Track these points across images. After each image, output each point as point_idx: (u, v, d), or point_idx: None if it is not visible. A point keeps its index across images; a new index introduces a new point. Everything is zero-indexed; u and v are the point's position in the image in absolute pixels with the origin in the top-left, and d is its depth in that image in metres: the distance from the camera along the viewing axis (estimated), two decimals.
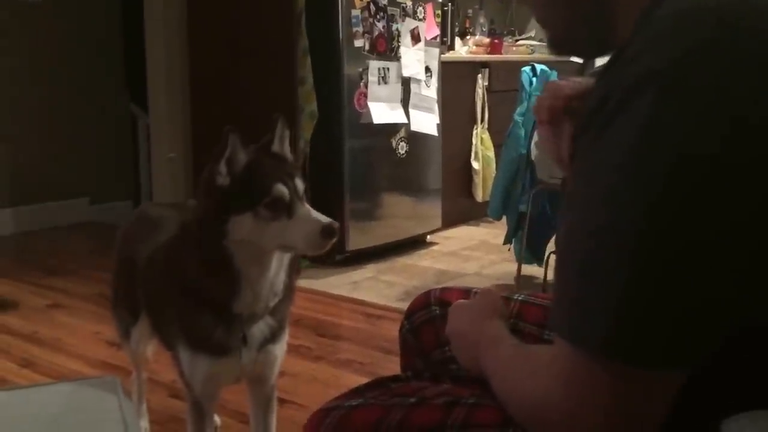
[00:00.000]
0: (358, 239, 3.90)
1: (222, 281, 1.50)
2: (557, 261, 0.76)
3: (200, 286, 1.53)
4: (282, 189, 1.45)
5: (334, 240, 1.46)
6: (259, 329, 1.57)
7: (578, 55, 1.03)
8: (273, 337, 1.61)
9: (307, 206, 1.48)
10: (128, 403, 1.26)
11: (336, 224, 1.45)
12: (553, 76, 3.69)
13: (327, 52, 3.75)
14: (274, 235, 1.45)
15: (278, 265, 1.54)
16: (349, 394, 1.00)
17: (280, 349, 1.65)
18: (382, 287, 3.57)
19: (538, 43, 5.27)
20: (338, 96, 3.76)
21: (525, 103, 3.45)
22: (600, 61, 0.91)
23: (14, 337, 2.94)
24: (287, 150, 1.60)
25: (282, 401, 2.41)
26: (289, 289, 1.62)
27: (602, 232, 0.69)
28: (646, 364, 0.68)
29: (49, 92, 4.69)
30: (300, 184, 1.49)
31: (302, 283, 3.61)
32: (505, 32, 5.71)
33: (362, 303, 3.34)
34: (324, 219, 1.45)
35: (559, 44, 0.94)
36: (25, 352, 2.79)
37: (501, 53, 5.06)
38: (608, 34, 0.84)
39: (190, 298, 1.55)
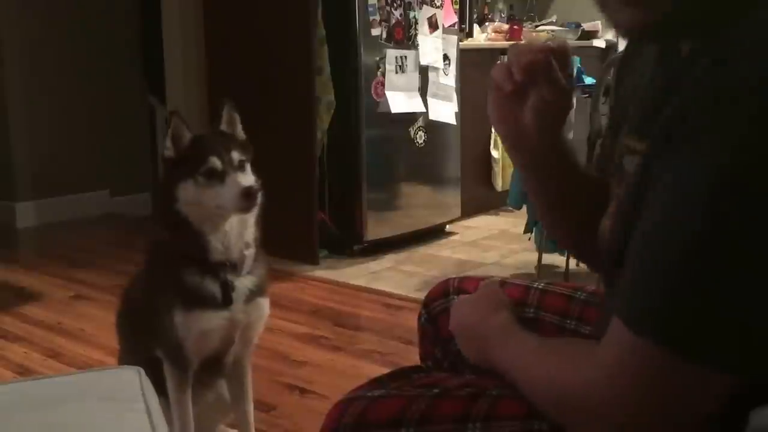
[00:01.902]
0: (376, 229, 3.90)
1: (188, 237, 1.71)
2: (636, 254, 0.74)
3: (174, 245, 1.76)
4: (215, 160, 1.69)
5: (256, 200, 1.67)
6: (242, 282, 1.75)
7: (655, 39, 0.90)
8: (258, 290, 1.79)
9: (239, 174, 1.70)
10: (152, 391, 1.27)
11: (254, 187, 1.67)
12: (575, 63, 3.67)
13: (344, 41, 3.75)
14: (210, 198, 1.68)
15: (240, 219, 1.73)
16: (370, 384, 0.99)
17: (266, 303, 1.84)
18: (401, 277, 3.57)
19: (559, 28, 5.25)
20: (356, 85, 3.76)
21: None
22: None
23: (39, 327, 2.98)
24: (239, 130, 1.83)
25: (303, 391, 2.42)
26: (260, 247, 1.81)
27: (694, 241, 0.68)
28: (716, 365, 0.68)
29: (68, 86, 4.72)
30: (236, 155, 1.72)
31: (321, 273, 3.62)
32: (524, 18, 5.67)
33: (381, 293, 3.34)
34: (245, 182, 1.68)
35: (671, 22, 0.80)
36: (50, 342, 2.82)
37: (521, 40, 5.04)
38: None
39: (171, 259, 1.75)
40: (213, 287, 1.71)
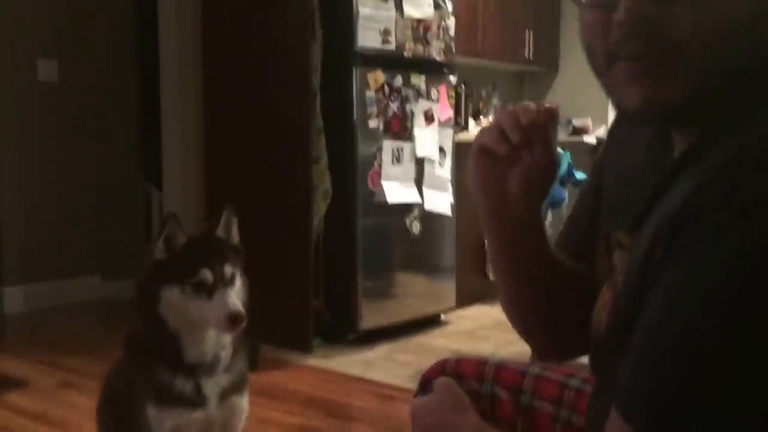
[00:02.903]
0: (371, 318, 3.87)
1: (164, 336, 1.70)
2: (635, 352, 0.73)
3: (149, 341, 1.75)
4: (207, 273, 1.67)
5: (240, 327, 1.67)
6: (216, 381, 1.74)
7: (666, 125, 0.86)
8: (234, 388, 1.78)
9: (228, 291, 1.68)
10: None
11: (240, 314, 1.66)
12: (566, 158, 3.72)
13: (341, 132, 3.80)
14: (195, 310, 1.67)
15: None
16: None
17: (243, 401, 1.81)
18: (396, 367, 3.52)
19: None
20: (352, 175, 3.79)
21: None
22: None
23: (23, 416, 2.90)
24: (234, 235, 1.82)
25: None
26: (239, 342, 1.80)
27: (692, 345, 0.67)
28: None
29: (61, 169, 4.73)
30: (228, 269, 1.70)
31: (314, 362, 3.57)
32: None
33: (375, 383, 3.29)
34: (233, 308, 1.66)
35: (665, 109, 0.77)
36: None
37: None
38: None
39: (145, 354, 1.75)
40: (184, 386, 1.71)
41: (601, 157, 1.06)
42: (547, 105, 0.98)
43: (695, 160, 0.73)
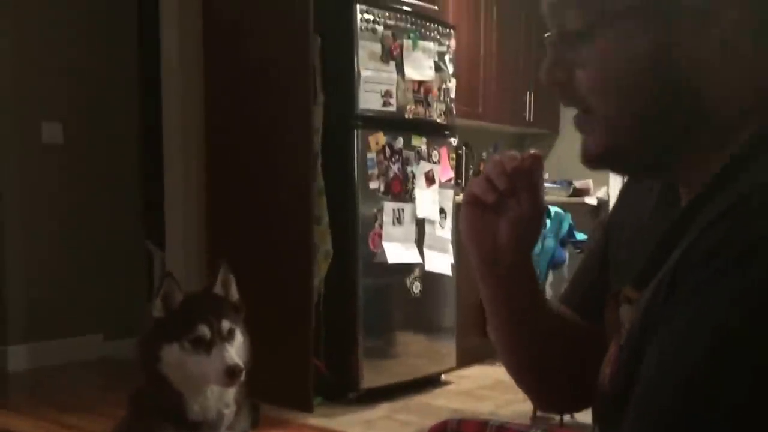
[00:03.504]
0: (372, 377, 3.87)
1: (167, 395, 1.72)
2: (633, 405, 0.72)
3: (152, 399, 1.76)
4: (204, 329, 1.69)
5: (238, 380, 1.69)
6: None
7: (627, 170, 0.93)
8: None
9: (227, 345, 1.69)
10: None
11: (238, 367, 1.68)
12: (567, 219, 3.76)
13: (342, 192, 3.84)
14: (194, 366, 1.69)
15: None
16: None
17: None
18: (397, 427, 3.51)
19: (551, 184, 5.38)
20: (353, 236, 3.83)
21: (540, 245, 3.49)
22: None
23: None
24: (233, 292, 1.84)
25: None
26: (242, 399, 1.81)
27: (684, 396, 0.66)
28: None
29: (65, 230, 4.77)
30: (226, 324, 1.72)
31: (315, 421, 3.56)
32: None
33: None
34: (230, 361, 1.67)
35: (610, 154, 0.83)
36: None
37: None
38: (681, 149, 0.80)
39: (148, 412, 1.76)
40: None
41: (609, 216, 1.08)
42: (531, 152, 1.01)
43: (697, 213, 0.74)
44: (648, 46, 0.76)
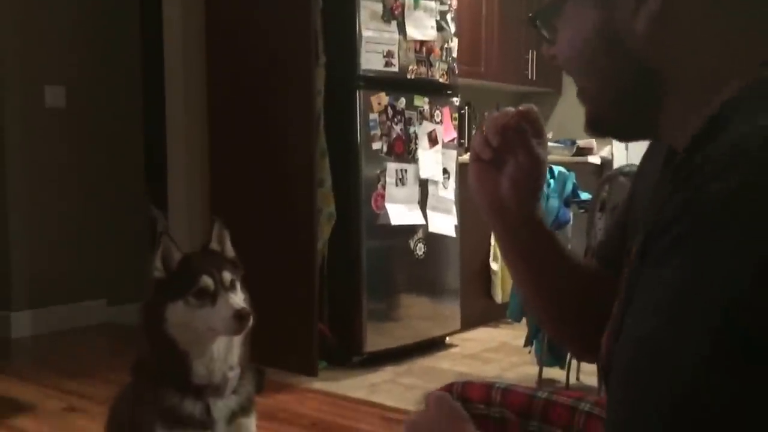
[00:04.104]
0: (376, 341, 3.87)
1: (172, 358, 1.70)
2: (615, 369, 0.70)
3: (157, 364, 1.75)
4: (207, 279, 1.68)
5: (248, 323, 1.67)
6: (224, 403, 1.74)
7: (617, 137, 0.94)
8: (242, 410, 1.77)
9: (230, 294, 1.69)
10: None
11: (246, 309, 1.67)
12: (571, 179, 3.72)
13: (345, 154, 3.81)
14: (201, 320, 1.67)
15: (227, 341, 1.73)
16: None
17: (251, 423, 1.81)
18: (401, 390, 3.51)
19: (554, 144, 5.33)
20: (356, 197, 3.80)
21: (544, 204, 3.46)
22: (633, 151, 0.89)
23: None
24: (228, 247, 1.84)
25: None
26: (246, 363, 1.81)
27: (658, 356, 0.63)
28: None
29: (68, 195, 4.77)
30: (227, 275, 1.71)
31: (319, 385, 3.56)
32: None
33: (380, 406, 3.28)
34: (237, 305, 1.66)
35: (597, 122, 0.88)
36: None
37: None
38: (658, 116, 0.81)
39: (153, 378, 1.75)
40: (194, 409, 1.71)
41: (637, 168, 1.10)
42: (521, 107, 1.04)
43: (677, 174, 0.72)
44: (596, 24, 0.82)
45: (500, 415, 1.19)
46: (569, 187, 3.72)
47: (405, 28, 3.95)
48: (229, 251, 1.85)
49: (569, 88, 5.91)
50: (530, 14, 0.94)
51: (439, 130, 4.15)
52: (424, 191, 4.06)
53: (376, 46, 3.82)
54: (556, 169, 3.66)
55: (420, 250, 4.08)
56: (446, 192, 4.19)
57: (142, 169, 5.07)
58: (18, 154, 4.59)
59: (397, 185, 3.92)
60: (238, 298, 1.71)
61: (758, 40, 0.75)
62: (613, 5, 0.80)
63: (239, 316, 1.66)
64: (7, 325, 4.53)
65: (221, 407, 1.74)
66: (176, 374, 1.72)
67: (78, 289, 4.80)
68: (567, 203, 3.72)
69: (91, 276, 4.83)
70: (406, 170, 3.97)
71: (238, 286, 1.76)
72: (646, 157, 1.06)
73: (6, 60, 4.52)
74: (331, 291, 3.88)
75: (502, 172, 1.05)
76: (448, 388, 1.27)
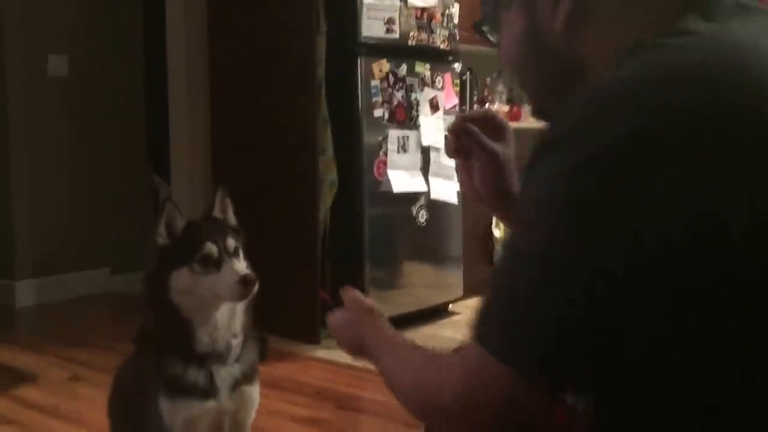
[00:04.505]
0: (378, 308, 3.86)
1: (175, 327, 1.70)
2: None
3: (161, 334, 1.74)
4: (211, 246, 1.68)
5: (253, 288, 1.68)
6: (228, 371, 1.74)
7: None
8: (245, 378, 1.78)
9: (235, 261, 1.69)
10: None
11: (251, 275, 1.68)
12: None
13: (347, 121, 3.79)
14: (206, 287, 1.67)
15: (230, 309, 1.73)
16: None
17: (254, 391, 1.82)
18: None
19: None
20: (358, 165, 3.79)
21: None
22: None
23: (34, 410, 2.92)
24: (230, 215, 1.84)
25: None
26: (249, 331, 1.81)
27: (518, 260, 0.81)
28: (526, 374, 0.78)
29: (71, 164, 4.75)
30: (231, 242, 1.72)
31: (322, 353, 3.57)
32: (524, 100, 5.74)
33: None
34: (242, 271, 1.67)
35: (540, 110, 1.02)
36: (45, 426, 2.77)
37: (520, 121, 5.09)
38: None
39: (156, 346, 1.75)
40: (197, 377, 1.71)
41: None
42: (480, 111, 1.27)
43: None
44: (523, 28, 0.95)
45: None
46: (510, 134, 3.71)
47: None
48: (231, 219, 1.85)
49: None
50: (474, 21, 1.08)
51: (441, 96, 4.12)
52: (426, 158, 4.05)
53: (377, 13, 3.79)
54: None
55: (422, 217, 4.08)
56: (448, 158, 4.16)
57: (144, 137, 5.05)
58: (21, 123, 4.57)
59: (398, 152, 3.91)
60: (242, 265, 1.72)
61: (651, 18, 0.86)
62: (535, 9, 0.93)
63: (244, 281, 1.66)
64: (10, 295, 4.54)
65: (224, 375, 1.75)
66: (180, 342, 1.72)
67: (81, 258, 4.80)
68: None
69: (94, 245, 4.83)
70: (407, 137, 3.95)
71: (242, 253, 1.76)
72: None
73: (9, 29, 4.48)
74: (334, 259, 3.88)
75: (474, 169, 1.21)
76: None
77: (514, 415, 0.81)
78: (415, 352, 1.02)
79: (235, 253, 1.73)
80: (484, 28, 1.06)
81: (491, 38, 1.05)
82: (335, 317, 1.24)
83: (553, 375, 0.79)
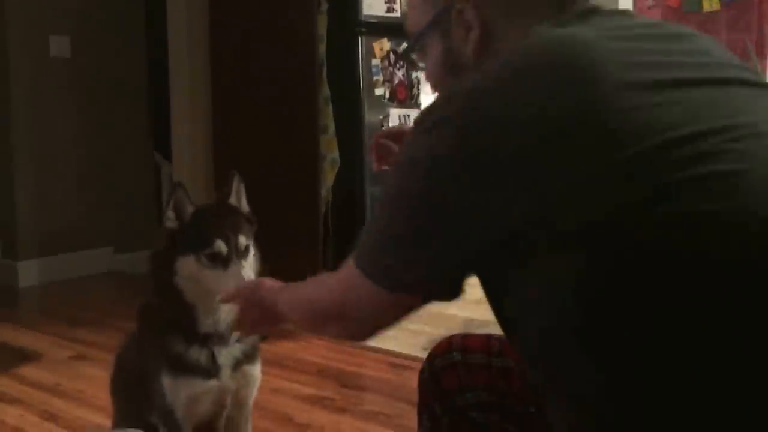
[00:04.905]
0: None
1: (179, 307, 1.72)
2: None
3: (163, 311, 1.76)
4: (221, 245, 1.68)
5: None
6: (229, 351, 1.76)
7: None
8: (246, 358, 1.80)
9: (243, 262, 1.70)
10: None
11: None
12: None
13: (348, 100, 3.78)
14: (210, 280, 1.68)
15: None
16: None
17: (255, 370, 1.84)
18: (408, 336, 3.52)
19: None
20: (359, 144, 3.78)
21: None
22: None
23: (36, 389, 2.93)
24: (244, 203, 1.84)
25: None
26: None
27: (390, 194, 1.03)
28: (385, 285, 1.00)
29: (73, 144, 4.75)
30: (242, 240, 1.72)
31: None
32: None
33: (387, 352, 3.30)
34: (247, 276, 1.68)
35: None
36: (48, 404, 2.77)
37: None
38: None
39: (159, 324, 1.77)
40: (199, 356, 1.72)
41: None
42: (384, 130, 1.42)
43: None
44: (442, 53, 1.09)
45: (502, 364, 1.22)
46: None
47: None
48: (245, 207, 1.85)
49: None
50: (401, 49, 1.21)
51: None
52: None
53: None
54: None
55: None
56: None
57: (146, 117, 5.03)
58: (23, 104, 4.56)
59: None
60: (250, 267, 1.72)
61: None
62: (450, 37, 1.06)
63: None
64: (14, 274, 4.55)
65: (226, 355, 1.76)
66: (183, 323, 1.72)
67: (84, 238, 4.81)
68: None
69: (97, 224, 4.83)
70: (408, 116, 3.94)
71: (252, 250, 1.76)
72: None
73: (11, 10, 4.46)
74: (335, 237, 3.88)
75: None
76: (448, 341, 1.30)
77: (379, 317, 1.06)
78: (305, 281, 1.22)
79: (245, 252, 1.72)
80: (413, 56, 1.21)
81: (419, 64, 1.21)
82: (238, 318, 1.51)
83: (406, 290, 1.00)
